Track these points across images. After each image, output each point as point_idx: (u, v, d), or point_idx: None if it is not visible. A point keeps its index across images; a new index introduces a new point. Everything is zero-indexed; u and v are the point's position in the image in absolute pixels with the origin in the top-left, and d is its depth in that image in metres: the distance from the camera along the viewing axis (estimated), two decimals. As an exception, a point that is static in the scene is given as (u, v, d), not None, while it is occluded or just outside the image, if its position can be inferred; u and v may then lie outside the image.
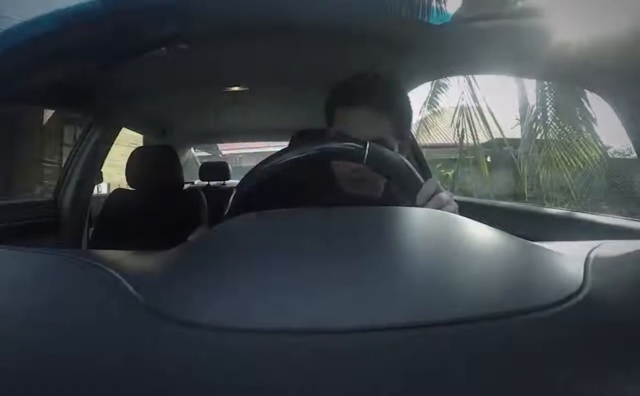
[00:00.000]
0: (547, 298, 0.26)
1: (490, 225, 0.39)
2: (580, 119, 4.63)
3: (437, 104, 6.80)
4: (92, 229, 1.74)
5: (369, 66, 0.80)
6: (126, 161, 1.59)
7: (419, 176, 0.61)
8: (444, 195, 0.60)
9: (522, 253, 0.35)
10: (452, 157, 7.44)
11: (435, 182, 0.60)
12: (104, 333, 0.25)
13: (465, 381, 0.20)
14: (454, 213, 0.59)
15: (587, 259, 0.33)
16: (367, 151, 0.59)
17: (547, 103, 4.94)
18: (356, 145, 0.61)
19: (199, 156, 3.81)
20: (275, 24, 0.92)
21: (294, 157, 0.61)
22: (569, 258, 0.34)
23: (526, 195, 5.71)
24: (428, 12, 0.85)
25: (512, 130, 6.98)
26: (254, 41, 1.10)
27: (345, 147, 0.63)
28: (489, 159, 6.77)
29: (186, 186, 1.96)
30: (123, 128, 1.94)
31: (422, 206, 0.58)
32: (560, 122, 4.80)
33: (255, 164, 0.62)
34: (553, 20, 0.72)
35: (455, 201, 0.61)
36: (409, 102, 0.79)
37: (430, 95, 6.69)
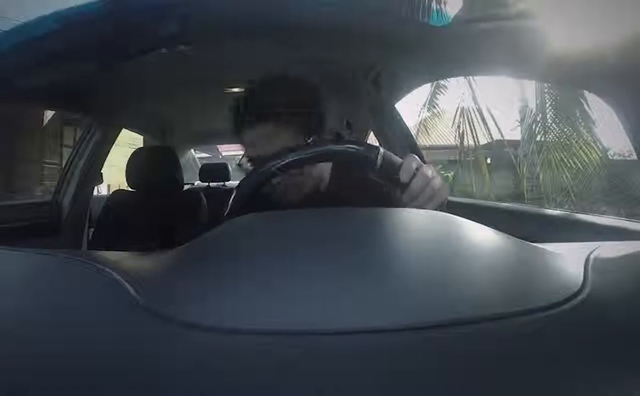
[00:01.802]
0: (548, 299, 0.26)
1: (490, 227, 0.39)
2: (580, 120, 4.63)
3: (437, 105, 6.80)
4: (92, 230, 1.74)
5: (370, 65, 0.80)
6: (126, 162, 1.58)
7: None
8: (428, 169, 0.58)
9: (522, 255, 0.35)
10: (452, 158, 7.45)
11: (415, 158, 0.58)
12: (104, 334, 0.25)
13: (465, 382, 0.20)
14: (441, 187, 0.59)
15: (587, 260, 0.33)
16: (379, 157, 0.58)
17: (547, 105, 4.95)
18: (357, 147, 0.60)
19: (198, 157, 3.81)
20: (276, 24, 0.92)
21: (294, 158, 0.61)
22: (569, 259, 0.34)
23: (526, 196, 5.72)
24: (428, 14, 0.85)
25: (512, 131, 6.99)
26: (254, 41, 1.10)
27: (346, 149, 0.63)
28: (488, 161, 6.78)
29: (186, 187, 1.96)
30: (123, 129, 1.94)
31: (408, 182, 0.57)
32: (560, 124, 4.81)
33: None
34: (553, 22, 0.72)
35: (454, 202, 0.61)
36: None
37: (430, 96, 6.70)
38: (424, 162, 0.59)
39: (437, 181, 0.58)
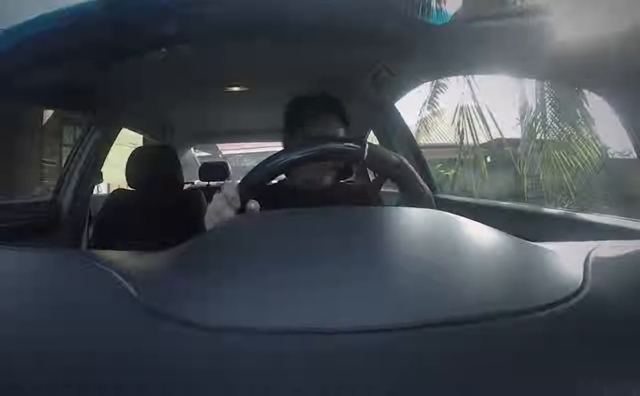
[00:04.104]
0: (547, 298, 0.26)
1: (490, 226, 0.40)
2: (580, 119, 4.63)
3: (437, 104, 6.80)
4: (91, 229, 1.74)
5: (370, 65, 0.82)
6: (126, 161, 1.58)
7: (419, 177, 0.61)
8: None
9: (522, 253, 0.36)
10: (453, 157, 7.45)
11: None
12: (104, 332, 0.25)
13: (465, 380, 0.20)
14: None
15: (586, 259, 0.33)
16: (365, 151, 0.59)
17: (547, 103, 4.95)
18: (355, 145, 0.61)
19: (198, 156, 3.81)
20: (276, 24, 0.92)
21: (295, 157, 0.61)
22: (569, 258, 0.34)
23: (526, 195, 5.71)
24: (428, 12, 0.85)
25: (512, 130, 6.99)
26: (254, 41, 1.10)
27: (345, 148, 0.63)
28: (488, 159, 6.78)
29: (186, 186, 1.96)
30: (123, 128, 1.94)
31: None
32: (560, 123, 4.81)
33: (256, 165, 0.62)
34: (553, 21, 0.72)
35: (453, 200, 0.62)
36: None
37: (430, 95, 6.70)
38: (423, 161, 0.60)
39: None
